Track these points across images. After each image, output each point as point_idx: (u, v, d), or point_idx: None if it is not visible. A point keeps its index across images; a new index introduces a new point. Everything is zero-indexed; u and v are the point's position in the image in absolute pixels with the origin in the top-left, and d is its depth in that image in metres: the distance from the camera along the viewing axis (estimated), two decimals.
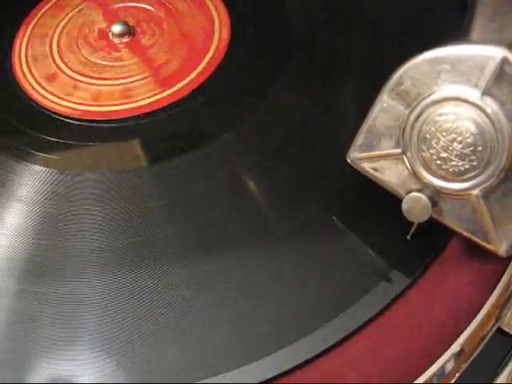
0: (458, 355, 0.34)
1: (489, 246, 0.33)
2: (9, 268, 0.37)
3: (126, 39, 0.48)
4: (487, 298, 0.35)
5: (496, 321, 0.36)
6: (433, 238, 0.36)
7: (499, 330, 0.37)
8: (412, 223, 0.35)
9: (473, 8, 0.36)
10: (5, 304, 0.36)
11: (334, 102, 0.43)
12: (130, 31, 0.48)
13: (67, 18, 0.51)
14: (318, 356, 0.33)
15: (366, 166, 0.35)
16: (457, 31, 0.37)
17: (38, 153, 0.43)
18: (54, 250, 0.38)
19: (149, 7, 0.51)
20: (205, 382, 0.32)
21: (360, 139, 0.35)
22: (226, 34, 0.48)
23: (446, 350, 0.34)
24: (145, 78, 0.46)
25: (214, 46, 0.47)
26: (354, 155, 0.36)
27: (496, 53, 0.31)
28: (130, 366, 0.33)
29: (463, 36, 0.36)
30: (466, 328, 0.34)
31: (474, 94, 0.31)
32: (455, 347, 0.34)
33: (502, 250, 0.33)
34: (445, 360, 0.34)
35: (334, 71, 0.45)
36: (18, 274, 0.37)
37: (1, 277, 0.37)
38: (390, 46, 0.44)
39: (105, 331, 0.34)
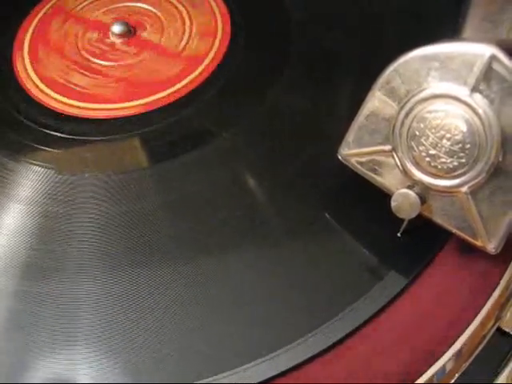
0: (458, 355, 0.34)
1: (477, 243, 0.33)
2: (8, 268, 0.38)
3: (124, 39, 0.49)
4: (487, 298, 0.35)
5: (496, 321, 0.36)
6: (431, 237, 0.36)
7: (499, 329, 0.37)
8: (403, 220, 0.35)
9: (467, 7, 0.36)
10: (4, 304, 0.36)
11: (334, 102, 0.43)
12: (130, 32, 0.49)
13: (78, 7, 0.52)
14: (317, 356, 0.33)
15: (357, 163, 0.36)
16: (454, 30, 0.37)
17: (37, 153, 0.43)
18: (53, 250, 0.38)
19: (146, 6, 0.51)
20: (205, 381, 0.32)
21: (351, 136, 0.35)
22: (226, 35, 0.48)
23: (446, 349, 0.34)
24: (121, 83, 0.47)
25: (215, 46, 0.47)
26: (345, 151, 0.36)
27: (484, 50, 0.31)
28: (129, 366, 0.33)
29: (458, 35, 0.36)
30: (466, 328, 0.34)
31: (463, 92, 0.31)
32: (455, 347, 0.34)
33: (490, 246, 0.33)
34: (445, 360, 0.34)
35: (333, 71, 0.45)
36: (18, 274, 0.37)
37: (0, 277, 0.37)
38: (390, 45, 0.44)
39: (104, 331, 0.35)
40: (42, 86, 0.47)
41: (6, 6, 0.53)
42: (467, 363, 0.35)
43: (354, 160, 0.36)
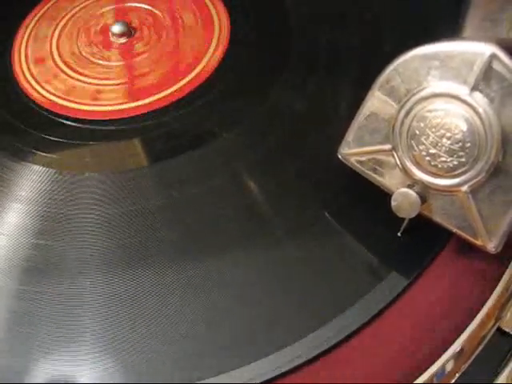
0: (458, 355, 0.34)
1: (478, 242, 0.33)
2: (8, 268, 0.38)
3: (123, 40, 0.49)
4: (487, 298, 0.35)
5: (496, 321, 0.36)
6: (432, 237, 0.36)
7: (499, 329, 0.37)
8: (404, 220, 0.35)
9: (466, 7, 0.36)
10: (4, 304, 0.36)
11: (334, 102, 0.43)
12: (130, 32, 0.49)
13: (81, 5, 0.53)
14: (317, 356, 0.33)
15: (357, 162, 0.36)
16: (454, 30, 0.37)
17: (37, 153, 0.43)
18: (53, 250, 0.38)
19: (146, 6, 0.51)
20: (205, 382, 0.32)
21: (351, 135, 0.36)
22: (226, 34, 0.48)
23: (446, 350, 0.34)
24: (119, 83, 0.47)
25: (214, 46, 0.47)
26: (345, 151, 0.36)
27: (484, 49, 0.31)
28: (129, 366, 0.33)
29: (457, 34, 0.36)
30: (466, 328, 0.34)
31: (463, 91, 0.31)
32: (455, 347, 0.34)
33: (490, 246, 0.33)
34: (445, 360, 0.34)
35: (333, 71, 0.45)
36: (18, 274, 0.37)
37: (0, 277, 0.37)
38: (390, 45, 0.44)
39: (104, 331, 0.35)
40: (42, 87, 0.47)
41: (5, 6, 0.54)
42: (467, 363, 0.35)
43: (353, 159, 0.36)
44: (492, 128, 0.31)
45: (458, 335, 0.34)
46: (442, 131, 0.32)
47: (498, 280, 0.36)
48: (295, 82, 0.44)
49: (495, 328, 0.36)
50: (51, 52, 0.50)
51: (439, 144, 0.32)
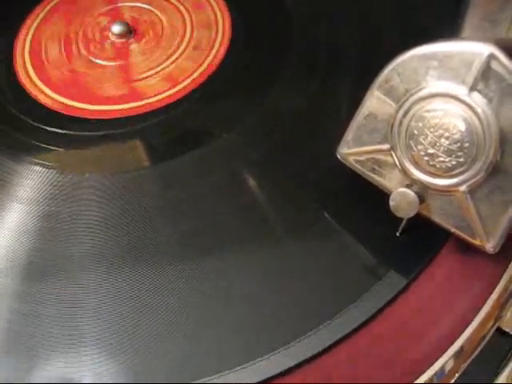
0: (457, 355, 0.34)
1: (476, 242, 0.33)
2: (10, 269, 0.38)
3: (123, 39, 0.49)
4: (487, 298, 0.35)
5: (496, 321, 0.36)
6: (431, 237, 0.36)
7: (499, 329, 0.37)
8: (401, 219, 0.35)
9: (466, 7, 0.36)
10: (5, 304, 0.36)
11: (334, 102, 0.43)
12: (129, 32, 0.49)
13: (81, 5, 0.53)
14: (317, 356, 0.33)
15: (355, 162, 0.36)
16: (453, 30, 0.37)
17: (38, 153, 0.43)
18: (53, 251, 0.38)
19: (146, 6, 0.51)
20: (205, 382, 0.32)
21: (349, 135, 0.35)
22: (226, 35, 0.48)
23: (446, 349, 0.34)
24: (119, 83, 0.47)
25: (215, 46, 0.47)
26: (344, 151, 0.36)
27: (483, 49, 0.31)
28: (129, 366, 0.33)
29: (457, 35, 0.36)
30: (466, 328, 0.34)
31: (461, 91, 0.31)
32: (455, 347, 0.34)
33: (489, 246, 0.33)
34: (445, 360, 0.34)
35: (333, 71, 0.45)
36: (20, 274, 0.37)
37: (1, 277, 0.37)
38: (390, 45, 0.44)
39: (105, 331, 0.35)
40: (42, 87, 0.47)
41: (6, 6, 0.54)
42: (467, 363, 0.35)
43: (352, 159, 0.36)
44: (490, 128, 0.31)
45: (458, 335, 0.34)
46: (441, 131, 0.32)
47: (498, 280, 0.36)
48: (295, 82, 0.44)
49: (495, 328, 0.36)
50: (52, 50, 0.50)
51: (437, 144, 0.32)
